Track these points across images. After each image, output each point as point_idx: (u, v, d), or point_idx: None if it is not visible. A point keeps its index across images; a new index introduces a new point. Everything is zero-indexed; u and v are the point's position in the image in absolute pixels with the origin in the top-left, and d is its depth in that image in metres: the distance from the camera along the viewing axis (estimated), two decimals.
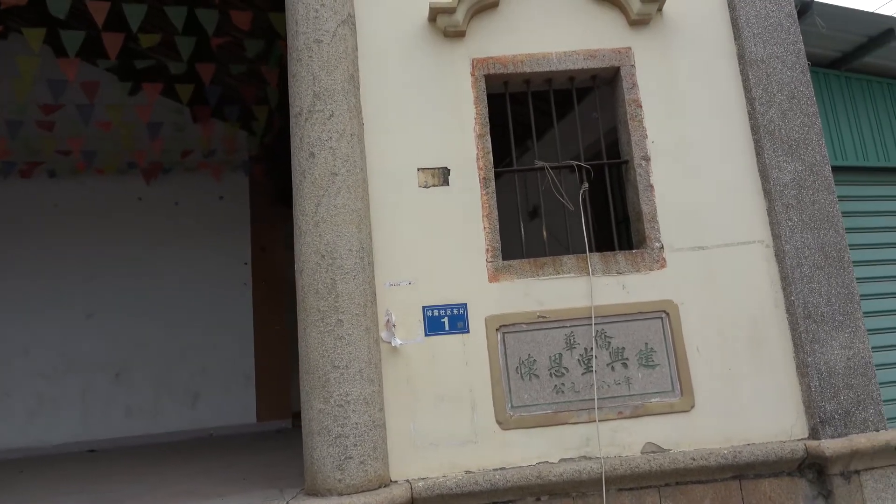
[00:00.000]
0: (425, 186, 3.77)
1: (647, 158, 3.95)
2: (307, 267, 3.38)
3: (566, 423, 3.57)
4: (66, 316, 8.69)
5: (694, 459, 3.51)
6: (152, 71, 7.18)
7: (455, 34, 3.98)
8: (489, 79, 4.01)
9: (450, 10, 3.89)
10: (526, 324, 3.65)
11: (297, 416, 9.20)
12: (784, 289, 3.84)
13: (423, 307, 3.61)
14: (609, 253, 3.83)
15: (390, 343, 3.51)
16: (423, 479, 3.42)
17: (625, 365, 3.67)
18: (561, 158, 4.06)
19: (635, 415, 3.62)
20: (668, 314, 3.74)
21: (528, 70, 4.02)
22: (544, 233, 3.97)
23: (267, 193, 9.57)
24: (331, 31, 3.66)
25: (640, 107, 4.03)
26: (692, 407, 3.64)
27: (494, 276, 3.71)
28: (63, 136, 7.81)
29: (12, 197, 8.72)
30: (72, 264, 8.81)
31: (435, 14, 3.91)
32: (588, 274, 3.75)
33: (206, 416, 8.80)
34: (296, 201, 3.53)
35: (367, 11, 3.96)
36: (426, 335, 3.59)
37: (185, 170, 9.06)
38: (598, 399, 3.59)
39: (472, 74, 3.97)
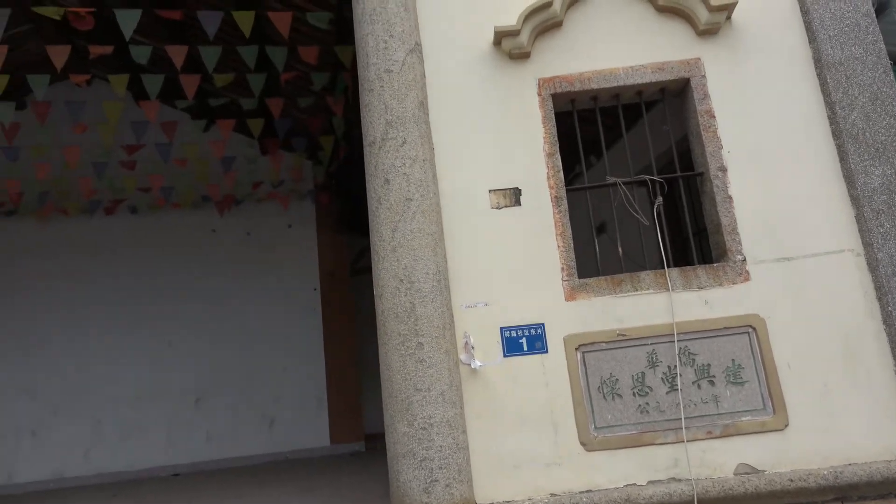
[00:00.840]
0: (497, 207, 3.79)
1: (723, 169, 3.86)
2: (386, 291, 3.44)
3: (653, 444, 3.48)
4: (150, 344, 9.10)
5: (791, 481, 3.35)
6: (225, 108, 7.52)
7: (520, 56, 4.01)
8: (556, 98, 4.02)
9: (514, 33, 3.93)
10: (606, 342, 3.60)
11: (369, 439, 9.34)
12: (879, 299, 3.66)
13: (501, 328, 3.61)
14: (688, 267, 3.74)
15: (469, 365, 3.52)
16: (508, 502, 3.39)
17: (711, 382, 3.56)
18: (630, 172, 4.01)
19: (725, 434, 3.49)
20: (754, 329, 3.61)
21: (595, 87, 4.00)
22: (619, 249, 3.91)
23: (332, 220, 9.81)
24: (400, 60, 3.76)
25: (714, 117, 3.94)
26: (786, 425, 3.49)
27: (571, 294, 3.68)
28: (144, 174, 8.25)
29: (98, 233, 9.24)
30: (154, 295, 9.24)
31: (500, 37, 3.96)
32: (667, 290, 3.67)
33: (281, 440, 9.00)
34: (372, 227, 3.61)
35: (433, 39, 4.04)
36: (505, 356, 3.58)
37: (256, 200, 9.40)
38: (685, 418, 3.49)
39: (539, 94, 3.98)
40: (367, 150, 3.73)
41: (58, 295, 8.97)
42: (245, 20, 5.21)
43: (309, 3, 6.15)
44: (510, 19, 4.01)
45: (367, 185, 3.69)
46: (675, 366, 3.56)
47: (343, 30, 5.98)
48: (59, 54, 5.24)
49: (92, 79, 7.64)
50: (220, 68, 6.01)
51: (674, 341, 3.58)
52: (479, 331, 3.61)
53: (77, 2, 7.17)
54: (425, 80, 3.92)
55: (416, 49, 3.88)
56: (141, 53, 5.42)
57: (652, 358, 3.58)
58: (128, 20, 4.93)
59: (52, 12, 4.92)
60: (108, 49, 5.42)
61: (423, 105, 3.78)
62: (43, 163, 7.38)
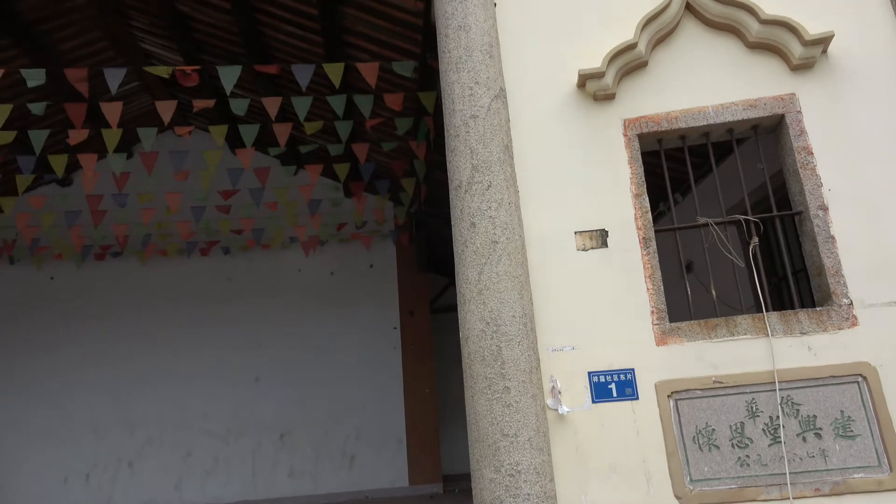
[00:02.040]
0: (584, 249, 3.74)
1: (824, 208, 3.67)
2: (472, 334, 3.45)
3: (754, 501, 3.27)
4: (237, 381, 9.45)
5: None
6: (313, 153, 7.87)
7: (605, 97, 4.00)
8: (642, 138, 3.97)
9: (599, 75, 3.93)
10: (700, 390, 3.44)
11: (447, 480, 9.24)
12: None
13: (589, 373, 3.53)
14: (789, 312, 3.55)
15: (557, 410, 3.45)
16: None
17: (818, 435, 3.33)
18: (722, 211, 3.88)
19: (835, 492, 3.24)
20: (865, 378, 3.37)
21: (683, 126, 3.93)
22: (713, 292, 3.77)
23: (412, 259, 9.98)
24: (485, 106, 3.83)
25: (812, 154, 3.78)
26: None
27: (662, 339, 3.56)
28: (237, 217, 8.70)
29: (193, 273, 9.77)
30: (242, 332, 9.63)
31: (584, 80, 3.97)
32: (766, 335, 3.49)
33: (361, 479, 9.06)
34: (458, 270, 3.64)
35: (517, 84, 4.10)
36: (593, 402, 3.49)
37: (339, 241, 9.71)
38: (789, 473, 3.27)
39: (625, 135, 3.95)
40: (452, 193, 3.79)
41: (157, 333, 9.50)
42: (335, 72, 5.48)
43: (394, 52, 6.40)
44: (593, 61, 4.02)
45: (453, 229, 3.74)
46: (778, 416, 3.35)
47: (426, 77, 6.17)
48: (166, 109, 5.66)
49: (193, 129, 8.20)
50: (310, 116, 6.30)
51: (775, 390, 3.39)
52: (566, 375, 3.54)
53: (182, 60, 7.77)
54: (510, 124, 3.97)
55: (501, 94, 3.94)
56: (239, 106, 5.77)
57: (752, 407, 3.39)
58: (229, 76, 5.28)
59: (161, 71, 5.33)
60: (210, 103, 5.81)
61: (507, 149, 3.82)
62: (148, 208, 7.93)
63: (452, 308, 10.61)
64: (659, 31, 4.08)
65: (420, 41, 6.05)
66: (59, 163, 6.60)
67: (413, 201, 8.47)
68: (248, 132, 6.26)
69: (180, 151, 6.65)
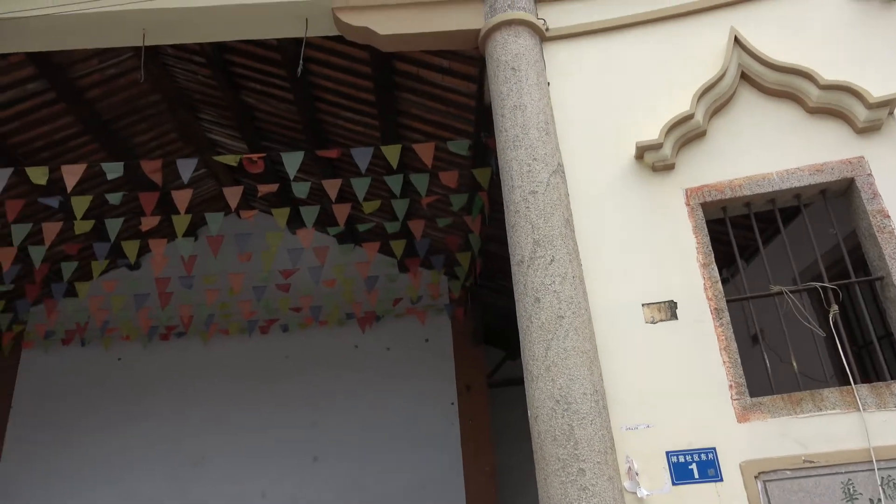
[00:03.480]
0: (652, 322, 3.65)
1: None
2: (542, 413, 3.35)
3: None
4: (296, 460, 9.36)
5: None
6: (370, 231, 8.05)
7: (664, 167, 4.00)
8: (706, 206, 3.92)
9: (657, 146, 3.95)
10: (790, 470, 3.23)
11: None
12: None
13: (667, 452, 3.36)
14: (880, 384, 3.34)
15: (635, 493, 3.28)
16: None
17: None
18: (797, 276, 3.75)
19: None
20: None
21: (748, 193, 3.87)
22: (794, 363, 3.59)
23: (468, 334, 9.90)
24: (544, 181, 3.87)
25: (888, 217, 3.65)
26: None
27: (743, 415, 3.38)
28: (296, 295, 8.88)
29: (252, 351, 9.91)
30: (300, 410, 9.61)
31: (642, 152, 3.99)
32: (857, 409, 3.28)
33: None
34: (524, 346, 3.59)
35: (574, 158, 4.14)
36: (673, 484, 3.30)
37: (395, 316, 9.74)
38: None
39: (688, 204, 3.91)
40: (515, 269, 3.79)
41: (217, 412, 9.58)
42: (392, 153, 5.66)
43: (448, 132, 6.59)
44: (650, 133, 4.04)
45: (516, 304, 3.72)
46: (880, 499, 3.10)
47: (479, 153, 6.31)
48: (233, 195, 5.92)
49: (256, 212, 8.55)
50: (367, 196, 6.48)
51: (874, 469, 3.15)
52: (642, 455, 3.38)
53: (246, 148, 8.19)
54: (569, 198, 3.99)
55: (559, 170, 3.99)
56: (301, 189, 6.00)
57: (849, 489, 3.15)
58: (292, 161, 5.52)
59: (230, 160, 5.63)
60: (274, 187, 6.06)
61: (568, 223, 3.83)
62: (212, 289, 8.19)
63: (510, 382, 10.45)
64: (715, 101, 4.10)
65: (473, 120, 6.22)
66: (131, 248, 6.93)
67: (468, 275, 8.50)
68: (309, 213, 6.47)
69: (244, 234, 6.89)
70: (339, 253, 9.07)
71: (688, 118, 3.97)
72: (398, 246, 7.45)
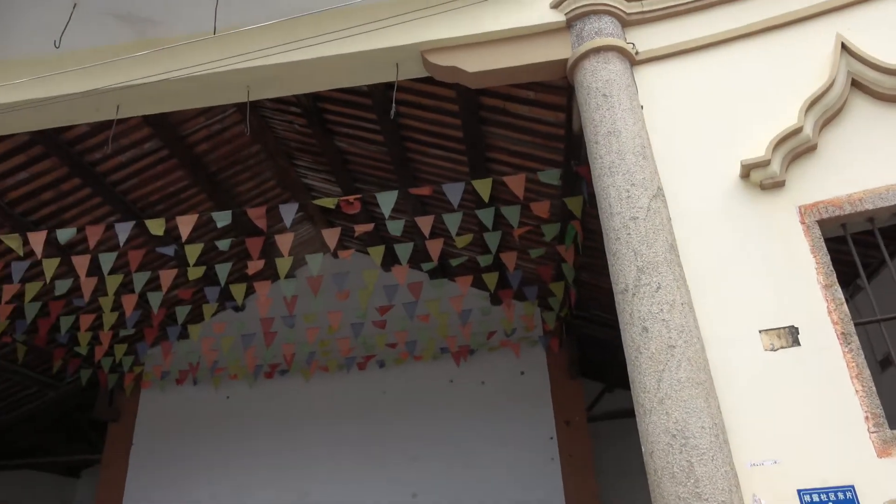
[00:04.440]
0: (772, 349, 3.43)
1: None
2: (657, 448, 3.20)
3: None
4: (395, 497, 9.39)
5: None
6: (462, 266, 8.11)
7: (773, 185, 3.80)
8: (823, 224, 3.68)
9: (764, 164, 3.76)
10: None
11: None
12: None
13: (799, 491, 3.11)
14: None
15: None
16: None
17: None
18: None
19: None
20: None
21: (869, 207, 3.61)
22: None
23: (564, 366, 9.69)
24: (644, 206, 3.77)
25: None
26: None
27: (884, 449, 3.09)
28: (392, 331, 9.03)
29: (351, 387, 10.12)
30: (398, 445, 9.68)
31: (748, 170, 3.81)
32: None
33: None
34: (634, 378, 3.46)
35: (674, 182, 4.01)
36: None
37: (489, 350, 9.69)
38: None
39: (802, 222, 3.68)
40: (619, 297, 3.69)
41: (319, 448, 9.81)
42: (484, 187, 5.70)
43: (536, 163, 6.59)
44: (755, 149, 3.87)
45: (622, 335, 3.60)
46: None
47: (570, 182, 6.25)
48: (331, 236, 6.14)
49: (353, 252, 8.82)
50: (459, 231, 6.54)
51: None
52: (771, 494, 3.14)
53: (340, 191, 8.50)
54: (671, 222, 3.86)
55: (659, 194, 3.87)
56: (395, 227, 6.14)
57: None
58: (387, 201, 5.67)
59: (328, 202, 5.85)
60: (370, 227, 6.24)
61: (673, 248, 3.69)
62: (312, 327, 8.47)
63: (610, 416, 10.09)
64: (825, 113, 3.88)
65: (562, 149, 6.19)
66: (238, 291, 7.29)
67: (562, 306, 8.36)
68: (403, 250, 6.60)
69: (341, 273, 7.11)
70: (432, 288, 9.17)
71: (796, 132, 3.77)
72: (491, 279, 7.44)
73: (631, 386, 3.49)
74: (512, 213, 6.05)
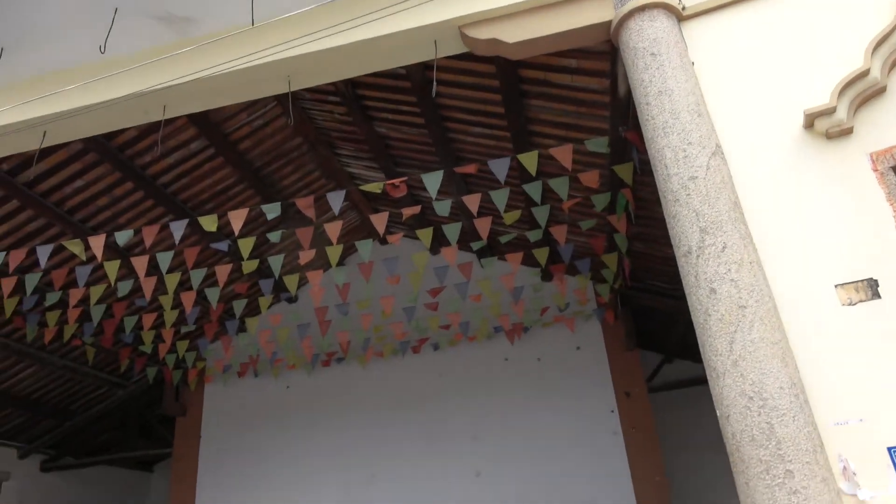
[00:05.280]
0: (850, 304, 3.27)
1: None
2: (734, 412, 3.10)
3: None
4: (459, 477, 9.45)
5: None
6: (511, 243, 8.03)
7: (840, 133, 3.61)
8: None
9: (829, 111, 3.58)
10: None
11: None
12: None
13: (889, 448, 2.97)
14: None
15: (856, 496, 2.92)
16: None
17: None
18: None
19: None
20: None
21: None
22: None
23: (620, 338, 9.55)
24: (703, 165, 3.64)
25: None
26: None
27: None
28: (444, 313, 9.04)
29: (407, 371, 10.20)
30: (457, 426, 9.72)
31: (811, 119, 3.63)
32: None
33: None
34: (703, 341, 3.36)
35: (733, 137, 3.85)
36: None
37: (543, 326, 9.61)
38: None
39: (875, 170, 3.49)
40: (681, 261, 3.57)
41: (378, 432, 9.94)
42: (530, 161, 5.61)
43: (580, 132, 6.45)
44: (818, 97, 3.68)
45: (688, 298, 3.50)
46: None
47: (618, 150, 6.09)
48: (379, 221, 6.14)
49: (402, 236, 8.86)
50: (506, 208, 6.47)
51: None
52: (857, 453, 3.01)
53: (383, 176, 8.51)
54: (732, 179, 3.71)
55: (718, 151, 3.73)
56: (442, 207, 6.10)
57: None
58: (432, 182, 5.63)
59: (373, 188, 5.85)
60: (417, 209, 6.23)
61: (736, 205, 3.55)
62: (366, 314, 8.54)
63: (672, 386, 9.91)
64: (893, 52, 3.65)
65: (608, 116, 6.03)
66: (292, 282, 7.40)
67: (616, 277, 8.21)
68: (452, 231, 6.56)
69: (391, 258, 7.13)
70: (482, 267, 9.13)
71: (863, 75, 3.56)
72: (541, 254, 7.35)
73: (701, 350, 3.39)
74: (560, 186, 5.94)
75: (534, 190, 6.02)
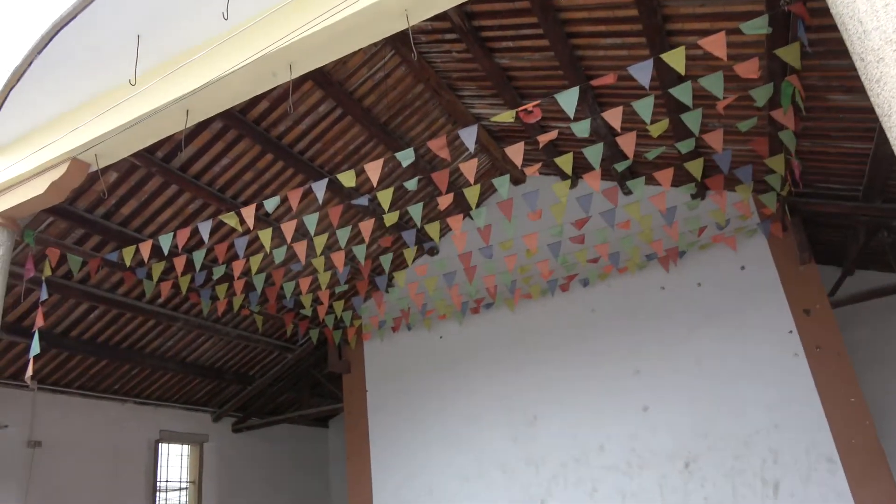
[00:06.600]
0: None
1: None
2: None
3: None
4: (625, 412, 9.15)
5: None
6: (659, 160, 7.40)
7: None
8: None
9: None
10: None
11: None
12: None
13: None
14: None
15: None
16: None
17: None
18: None
19: None
20: None
21: None
22: None
23: (792, 253, 8.62)
24: None
25: None
26: None
27: None
28: (591, 246, 8.62)
29: (557, 310, 9.93)
30: (617, 362, 9.36)
31: None
32: None
33: None
34: None
35: None
36: None
37: (701, 248, 8.90)
38: None
39: None
40: (893, 135, 2.96)
41: (537, 374, 9.84)
42: (677, 59, 5.01)
43: (728, 21, 5.68)
44: None
45: None
46: None
47: (778, 30, 5.30)
48: (515, 152, 5.83)
49: (540, 166, 8.51)
50: (651, 119, 5.89)
51: None
52: None
53: (514, 102, 8.14)
54: None
55: None
56: (581, 128, 5.66)
57: None
58: (568, 100, 5.21)
59: (505, 117, 5.52)
60: (554, 134, 5.84)
61: None
62: (510, 255, 8.35)
63: (857, 299, 8.85)
64: None
65: None
66: (433, 230, 7.34)
67: (784, 183, 7.32)
68: (593, 153, 6.11)
69: (531, 192, 6.82)
70: (627, 193, 8.56)
71: None
72: (695, 167, 6.69)
73: None
74: (714, 83, 5.27)
75: (683, 93, 5.40)
